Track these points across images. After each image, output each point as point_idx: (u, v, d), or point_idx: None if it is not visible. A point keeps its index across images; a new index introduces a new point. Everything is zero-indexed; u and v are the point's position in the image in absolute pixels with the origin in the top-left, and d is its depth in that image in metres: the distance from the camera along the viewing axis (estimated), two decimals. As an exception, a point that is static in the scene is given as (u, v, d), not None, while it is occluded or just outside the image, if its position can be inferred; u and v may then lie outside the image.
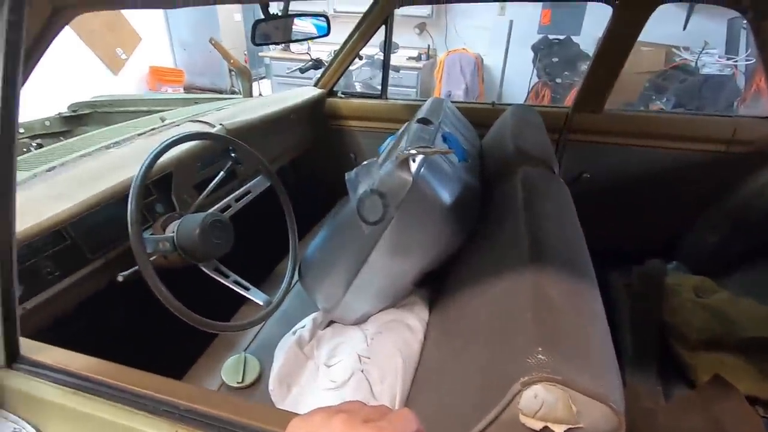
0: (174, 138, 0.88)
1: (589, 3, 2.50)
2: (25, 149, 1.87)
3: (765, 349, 1.04)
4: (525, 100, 4.04)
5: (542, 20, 3.77)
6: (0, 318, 0.46)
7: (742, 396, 0.96)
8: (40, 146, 1.90)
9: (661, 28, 3.42)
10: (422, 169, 0.81)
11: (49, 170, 0.97)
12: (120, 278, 0.81)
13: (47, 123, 2.01)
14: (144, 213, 1.01)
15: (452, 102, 1.53)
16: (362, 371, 0.86)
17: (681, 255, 1.56)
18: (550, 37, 3.85)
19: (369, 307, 1.01)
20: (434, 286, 1.05)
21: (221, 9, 4.37)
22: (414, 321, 0.93)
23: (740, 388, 0.97)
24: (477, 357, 0.58)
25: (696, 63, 3.42)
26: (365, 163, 0.94)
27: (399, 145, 0.97)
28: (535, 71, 4.06)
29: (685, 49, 3.57)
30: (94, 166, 0.98)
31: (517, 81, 4.16)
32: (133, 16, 4.13)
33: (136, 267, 0.78)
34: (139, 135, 1.20)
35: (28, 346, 0.51)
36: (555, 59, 3.87)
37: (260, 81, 4.68)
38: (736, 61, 3.43)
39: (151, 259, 0.82)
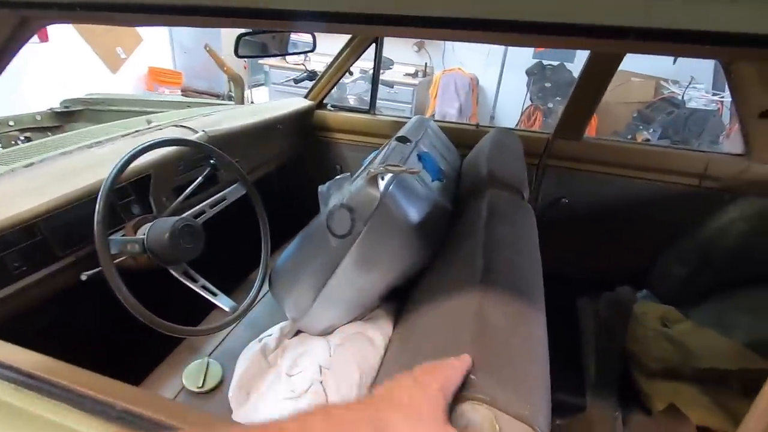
0: (148, 143, 0.90)
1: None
2: (13, 142, 1.88)
3: (719, 381, 1.06)
4: (517, 123, 4.12)
5: (537, 46, 3.88)
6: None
7: (694, 426, 0.98)
8: (28, 139, 1.91)
9: (652, 60, 3.53)
10: (390, 187, 0.83)
11: (27, 166, 0.98)
12: (83, 277, 0.82)
13: (38, 117, 2.01)
14: (120, 214, 1.02)
15: (437, 121, 1.57)
16: (321, 382, 0.86)
17: (651, 284, 1.59)
18: (544, 62, 3.94)
19: (335, 319, 1.02)
20: (401, 301, 1.06)
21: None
22: (376, 335, 0.95)
23: (693, 418, 0.99)
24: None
25: (683, 96, 3.52)
26: (338, 177, 0.97)
27: (374, 162, 1.00)
28: (528, 95, 4.15)
29: (673, 83, 3.66)
30: (72, 163, 0.99)
31: (511, 103, 4.25)
32: (135, 16, 4.17)
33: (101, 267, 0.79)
34: (123, 136, 1.22)
35: (-22, 340, 0.52)
36: (548, 84, 3.97)
37: (259, 88, 4.72)
38: (722, 97, 3.53)
39: (118, 260, 0.83)
